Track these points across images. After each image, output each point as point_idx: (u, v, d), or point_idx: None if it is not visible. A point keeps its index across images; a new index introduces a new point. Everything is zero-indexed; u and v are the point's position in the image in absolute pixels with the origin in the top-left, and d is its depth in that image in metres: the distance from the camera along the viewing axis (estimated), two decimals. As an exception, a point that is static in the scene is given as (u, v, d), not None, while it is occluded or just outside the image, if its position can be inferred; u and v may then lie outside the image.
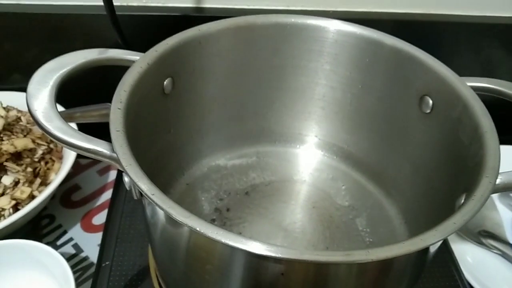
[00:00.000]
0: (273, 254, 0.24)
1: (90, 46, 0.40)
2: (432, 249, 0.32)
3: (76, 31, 0.57)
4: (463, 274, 0.47)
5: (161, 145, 0.44)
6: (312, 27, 0.46)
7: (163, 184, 0.47)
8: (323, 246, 0.45)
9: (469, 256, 0.50)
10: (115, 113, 0.33)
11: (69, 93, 0.56)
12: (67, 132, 0.31)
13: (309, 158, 0.53)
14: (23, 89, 0.58)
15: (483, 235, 0.51)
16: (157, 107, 0.41)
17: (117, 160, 0.30)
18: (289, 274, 0.27)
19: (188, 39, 0.42)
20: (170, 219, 0.28)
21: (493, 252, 0.51)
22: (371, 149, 0.50)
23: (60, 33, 0.57)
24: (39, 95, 0.34)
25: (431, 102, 0.42)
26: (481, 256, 0.50)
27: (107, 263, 0.45)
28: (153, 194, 0.27)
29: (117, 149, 0.30)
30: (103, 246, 0.47)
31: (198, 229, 0.25)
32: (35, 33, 0.57)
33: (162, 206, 0.27)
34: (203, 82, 0.46)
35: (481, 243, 0.51)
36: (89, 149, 0.31)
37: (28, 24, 0.57)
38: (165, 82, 0.41)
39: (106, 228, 0.48)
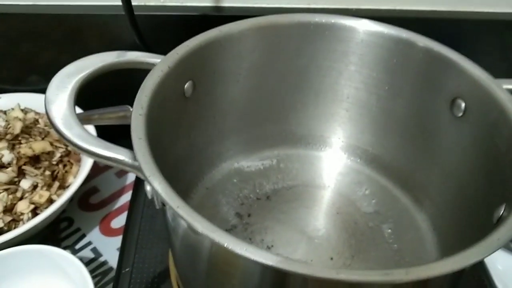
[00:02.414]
0: (308, 273, 0.22)
1: (107, 47, 0.39)
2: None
3: (92, 32, 0.56)
4: (494, 282, 0.45)
5: (181, 149, 0.43)
6: (337, 27, 0.44)
7: (183, 189, 0.46)
8: (349, 254, 0.43)
9: (500, 264, 0.48)
10: (137, 120, 0.31)
11: (86, 95, 0.55)
12: (87, 139, 0.30)
13: (332, 162, 0.52)
14: (41, 91, 0.59)
15: (515, 242, 0.49)
16: (178, 111, 0.40)
17: (139, 169, 0.29)
18: (321, 292, 0.26)
19: (209, 41, 0.41)
20: (194, 231, 0.27)
21: (524, 260, 0.49)
22: (398, 152, 0.48)
23: (77, 34, 0.56)
24: (58, 101, 0.33)
25: (463, 105, 0.40)
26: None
27: (127, 269, 0.44)
28: (178, 207, 0.26)
29: (139, 158, 0.29)
30: (122, 251, 0.46)
31: (226, 245, 0.24)
32: (52, 34, 0.57)
33: (187, 219, 0.25)
34: (224, 84, 0.44)
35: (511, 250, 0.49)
36: (110, 157, 0.30)
37: (45, 25, 0.56)
38: (185, 85, 0.40)
39: (126, 233, 0.47)
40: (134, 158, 0.29)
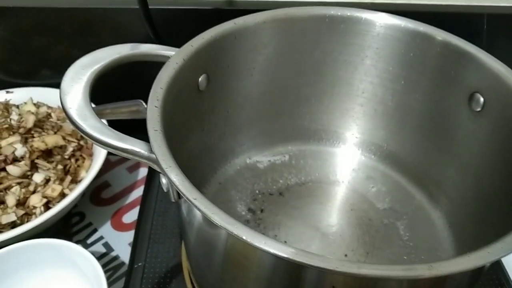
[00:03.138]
0: (328, 267, 0.22)
1: (119, 41, 0.38)
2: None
3: (104, 26, 0.56)
4: (510, 278, 0.44)
5: (194, 143, 0.43)
6: (353, 20, 0.43)
7: (196, 183, 0.45)
8: (363, 251, 0.43)
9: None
10: (152, 111, 0.31)
11: (98, 89, 0.55)
12: (102, 131, 0.30)
13: (346, 158, 0.51)
14: (53, 85, 0.59)
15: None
16: (192, 104, 0.40)
17: (156, 161, 0.28)
18: (341, 287, 0.25)
19: (224, 33, 0.40)
20: (210, 224, 0.27)
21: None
22: (413, 148, 0.47)
23: (89, 27, 0.56)
24: (73, 92, 0.32)
25: (482, 99, 0.39)
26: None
27: (139, 264, 0.44)
28: (195, 199, 0.25)
29: (155, 149, 0.28)
30: (135, 246, 0.45)
31: (244, 238, 0.23)
32: (64, 28, 0.57)
33: (205, 211, 0.25)
34: (238, 78, 0.44)
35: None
36: (126, 149, 0.29)
37: (56, 18, 0.56)
38: (200, 78, 0.39)
39: (138, 227, 0.47)
40: (150, 150, 0.29)
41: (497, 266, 0.45)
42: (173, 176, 0.27)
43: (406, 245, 0.44)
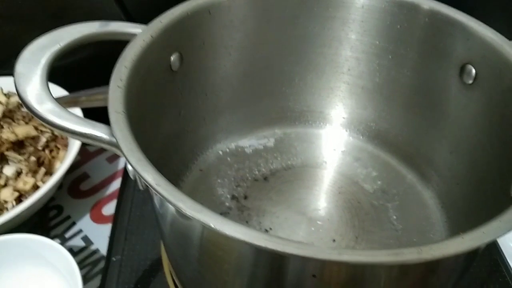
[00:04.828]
0: (305, 254, 0.20)
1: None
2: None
3: (78, 11, 0.53)
4: (506, 260, 0.42)
5: (171, 128, 0.40)
6: (335, -9, 0.41)
7: (175, 170, 0.43)
8: (352, 235, 0.41)
9: (512, 241, 0.46)
10: (115, 92, 0.28)
11: (73, 76, 0.52)
12: (60, 115, 0.27)
13: (333, 139, 0.49)
14: None
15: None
16: (164, 86, 0.37)
17: (117, 146, 0.26)
18: (322, 276, 0.23)
19: (196, 9, 0.37)
20: (180, 213, 0.24)
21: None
22: (403, 126, 0.45)
23: (62, 14, 0.53)
24: (29, 75, 0.30)
25: (474, 71, 0.37)
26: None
27: (117, 257, 0.42)
28: (158, 185, 0.23)
29: (116, 133, 0.26)
30: (112, 239, 0.43)
31: (212, 225, 0.21)
32: (36, 15, 0.53)
33: (170, 198, 0.22)
34: (215, 57, 0.41)
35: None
36: (86, 133, 0.27)
37: (28, 5, 0.53)
38: (172, 58, 0.37)
39: (116, 220, 0.45)
40: (112, 135, 0.27)
41: (492, 246, 0.43)
42: (134, 161, 0.24)
43: (397, 228, 0.42)
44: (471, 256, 0.27)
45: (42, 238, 0.39)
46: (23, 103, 0.28)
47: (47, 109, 0.28)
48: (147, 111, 0.34)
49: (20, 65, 0.30)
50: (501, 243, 0.44)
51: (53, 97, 0.29)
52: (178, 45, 0.37)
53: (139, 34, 0.33)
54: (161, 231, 0.34)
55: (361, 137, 0.48)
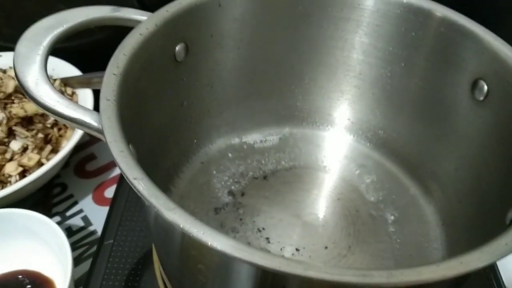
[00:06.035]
0: (271, 266, 0.19)
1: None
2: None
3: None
4: (503, 283, 0.41)
5: (173, 118, 0.40)
6: (351, -7, 0.39)
7: (175, 161, 0.43)
8: (346, 244, 0.40)
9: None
10: (109, 78, 0.28)
11: (88, 56, 0.52)
12: (53, 98, 0.28)
13: (338, 143, 0.47)
14: None
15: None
16: (167, 76, 0.37)
17: (103, 133, 0.26)
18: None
19: (206, 0, 0.37)
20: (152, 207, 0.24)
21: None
22: (411, 137, 0.43)
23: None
24: (29, 55, 0.30)
25: (486, 87, 0.35)
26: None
27: (110, 241, 0.42)
28: (135, 178, 0.23)
29: (104, 121, 0.26)
30: (107, 223, 0.43)
31: (181, 226, 0.21)
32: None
33: (143, 193, 0.22)
34: (222, 50, 0.41)
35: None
36: (75, 118, 0.27)
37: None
38: (177, 48, 0.36)
39: (113, 204, 0.45)
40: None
41: (490, 267, 0.42)
42: (115, 151, 0.24)
43: (394, 241, 0.41)
44: (455, 282, 0.26)
45: (34, 213, 0.40)
46: (19, 82, 0.28)
47: (40, 90, 0.28)
48: (145, 100, 0.34)
49: (21, 44, 0.30)
50: (500, 264, 0.42)
51: (49, 79, 0.29)
52: (184, 35, 0.37)
53: (143, 22, 0.33)
54: (148, 222, 0.34)
55: (368, 144, 0.47)
